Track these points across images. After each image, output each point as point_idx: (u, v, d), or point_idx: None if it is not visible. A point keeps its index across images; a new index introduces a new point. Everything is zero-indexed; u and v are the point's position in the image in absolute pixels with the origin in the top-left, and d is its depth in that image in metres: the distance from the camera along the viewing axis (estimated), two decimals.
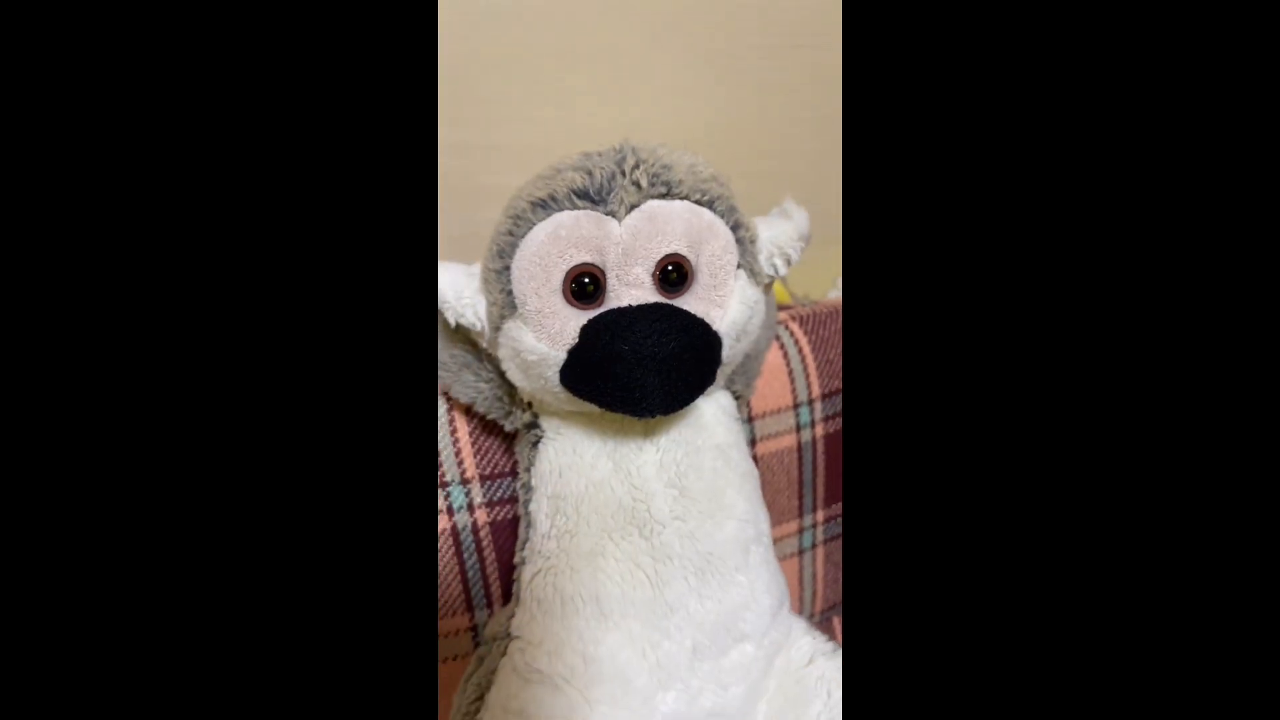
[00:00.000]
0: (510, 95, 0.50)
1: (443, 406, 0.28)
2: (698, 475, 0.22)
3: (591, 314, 0.20)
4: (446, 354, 0.25)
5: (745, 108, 0.54)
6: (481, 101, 0.49)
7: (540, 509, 0.23)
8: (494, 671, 0.22)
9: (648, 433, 0.22)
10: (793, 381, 0.32)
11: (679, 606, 0.22)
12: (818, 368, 0.33)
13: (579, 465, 0.22)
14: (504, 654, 0.22)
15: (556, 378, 0.20)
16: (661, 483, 0.22)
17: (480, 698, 0.22)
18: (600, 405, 0.20)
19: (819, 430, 0.33)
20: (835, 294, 0.58)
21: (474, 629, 0.29)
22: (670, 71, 0.52)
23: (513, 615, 0.23)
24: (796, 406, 0.32)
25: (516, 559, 0.24)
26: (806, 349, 0.32)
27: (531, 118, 0.49)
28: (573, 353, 0.20)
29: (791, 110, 0.56)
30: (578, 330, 0.20)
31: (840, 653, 0.25)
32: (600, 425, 0.22)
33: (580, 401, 0.21)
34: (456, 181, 0.49)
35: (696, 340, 0.20)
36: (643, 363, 0.19)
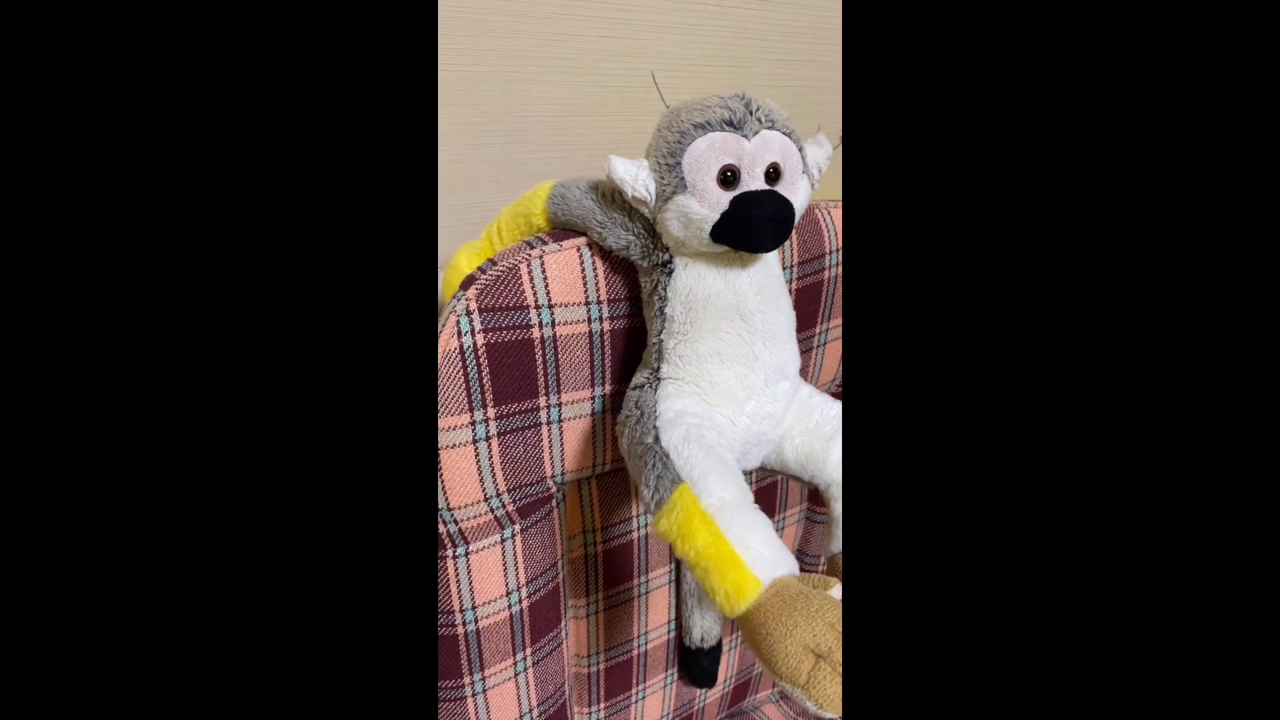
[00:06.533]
0: (547, 17, 0.58)
1: (589, 253, 0.42)
2: (768, 287, 0.40)
3: (732, 194, 0.36)
4: (604, 215, 0.40)
5: (726, 47, 0.68)
6: (523, 18, 0.58)
7: (676, 309, 0.40)
8: (656, 397, 0.40)
9: (744, 265, 0.39)
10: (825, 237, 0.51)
11: (758, 357, 0.40)
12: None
13: (703, 284, 0.39)
14: (659, 386, 0.40)
15: (709, 231, 0.36)
16: (752, 291, 0.39)
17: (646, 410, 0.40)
18: (737, 248, 0.37)
19: (840, 270, 0.53)
20: None
21: (593, 399, 0.46)
22: (669, 13, 0.64)
23: (658, 370, 0.41)
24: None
25: (654, 340, 0.41)
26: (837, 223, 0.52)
27: (561, 35, 0.60)
28: (724, 216, 0.36)
29: (761, 51, 0.71)
30: (727, 202, 0.36)
31: (831, 399, 0.45)
32: (717, 260, 0.39)
33: (716, 246, 0.37)
34: (504, 86, 0.60)
35: (786, 211, 0.37)
36: (766, 223, 0.35)
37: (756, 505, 0.35)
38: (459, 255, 0.49)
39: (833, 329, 0.57)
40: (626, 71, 0.63)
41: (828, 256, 0.53)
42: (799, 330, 0.55)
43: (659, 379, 0.40)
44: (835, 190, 0.52)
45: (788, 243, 0.50)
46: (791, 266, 0.51)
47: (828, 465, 0.41)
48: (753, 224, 0.35)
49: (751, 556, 0.32)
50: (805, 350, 0.56)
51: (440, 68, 0.55)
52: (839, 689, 0.29)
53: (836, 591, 0.33)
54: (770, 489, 0.64)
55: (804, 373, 0.58)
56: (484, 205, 0.62)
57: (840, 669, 0.29)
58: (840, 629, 0.29)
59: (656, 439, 0.36)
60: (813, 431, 0.42)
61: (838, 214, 0.54)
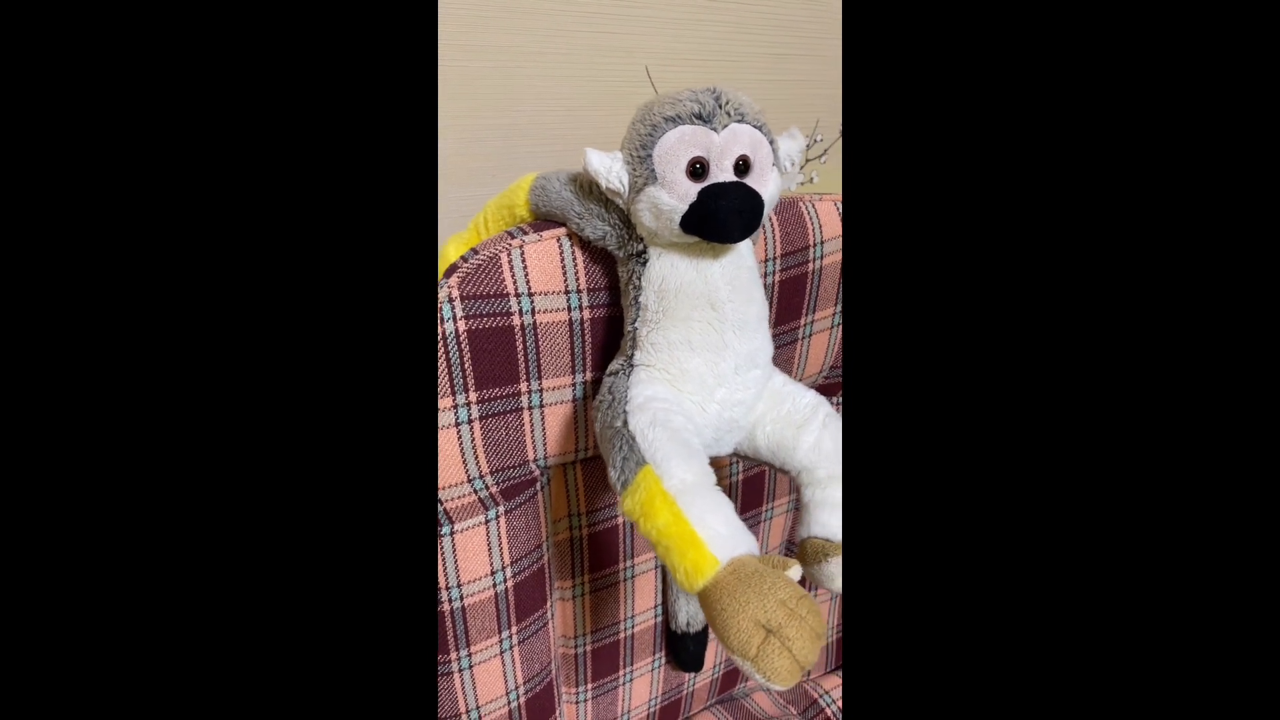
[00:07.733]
0: (545, 14, 0.61)
1: (568, 243, 0.44)
2: (739, 277, 0.41)
3: (701, 186, 0.37)
4: (581, 206, 0.41)
5: (721, 42, 0.69)
6: (521, 15, 0.59)
7: (649, 298, 0.41)
8: (629, 383, 0.41)
9: (715, 255, 0.40)
10: (809, 230, 0.51)
11: (728, 345, 0.41)
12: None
13: (675, 274, 0.40)
14: (631, 373, 0.41)
15: (679, 221, 0.37)
16: (723, 281, 0.40)
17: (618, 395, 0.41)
18: (704, 238, 0.38)
19: (826, 262, 0.54)
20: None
21: (574, 385, 0.47)
22: (665, 8, 0.65)
23: (631, 357, 0.42)
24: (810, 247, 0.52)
25: (629, 328, 0.42)
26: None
27: (558, 32, 0.61)
28: (692, 207, 0.37)
29: (755, 45, 0.71)
30: (695, 194, 0.37)
31: (806, 387, 0.45)
32: (689, 251, 0.40)
33: (686, 236, 0.38)
34: (502, 81, 0.61)
35: (755, 202, 0.37)
36: (732, 213, 0.36)
37: (719, 488, 0.36)
38: (449, 245, 0.51)
39: (818, 321, 0.57)
40: (622, 67, 0.64)
41: (812, 249, 0.54)
42: (783, 323, 0.56)
43: (632, 365, 0.42)
44: (835, 184, 0.53)
45: (770, 235, 0.51)
46: (774, 259, 0.52)
47: (798, 452, 0.42)
48: (719, 215, 0.36)
49: (710, 535, 0.33)
50: (790, 342, 0.57)
51: (440, 63, 0.57)
52: (788, 663, 0.30)
53: (794, 572, 0.34)
54: (759, 478, 0.64)
55: (789, 365, 0.58)
56: (481, 197, 0.64)
57: (790, 645, 0.30)
58: (792, 606, 0.31)
59: (625, 422, 0.37)
60: (784, 419, 0.42)
61: (823, 207, 0.54)
